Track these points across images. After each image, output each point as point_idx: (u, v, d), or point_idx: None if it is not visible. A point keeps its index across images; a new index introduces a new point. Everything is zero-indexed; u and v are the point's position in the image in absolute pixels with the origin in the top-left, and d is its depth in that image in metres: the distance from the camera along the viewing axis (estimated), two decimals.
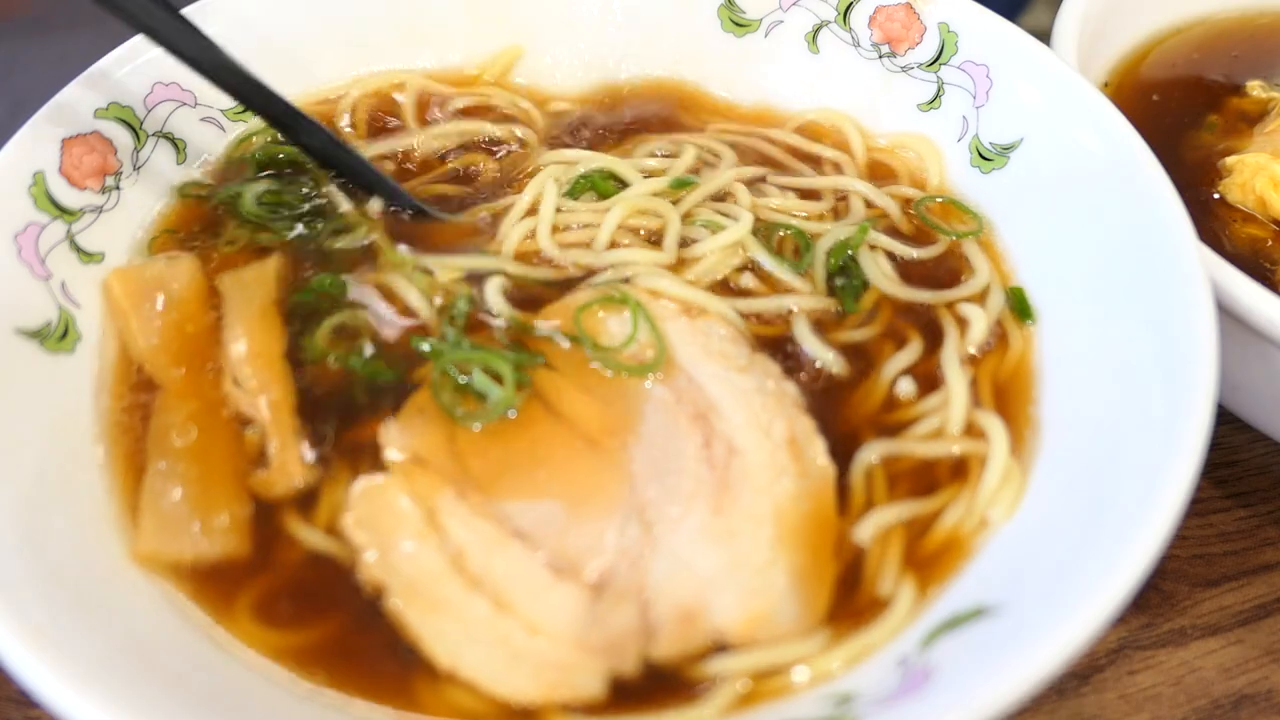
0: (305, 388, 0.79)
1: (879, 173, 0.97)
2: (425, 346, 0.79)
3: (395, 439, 0.75)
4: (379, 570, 0.70)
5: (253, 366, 0.79)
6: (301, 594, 0.71)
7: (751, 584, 0.69)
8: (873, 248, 0.88)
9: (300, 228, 0.88)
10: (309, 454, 0.75)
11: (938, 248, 0.90)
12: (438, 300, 0.83)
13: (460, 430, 0.75)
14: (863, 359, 0.83)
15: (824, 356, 0.81)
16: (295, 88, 0.99)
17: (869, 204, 0.93)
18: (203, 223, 0.90)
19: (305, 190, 0.91)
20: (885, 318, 0.85)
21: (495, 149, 0.98)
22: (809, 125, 1.01)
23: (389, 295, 0.84)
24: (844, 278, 0.87)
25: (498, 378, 0.76)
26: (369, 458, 0.75)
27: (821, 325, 0.84)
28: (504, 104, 1.01)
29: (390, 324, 0.82)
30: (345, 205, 0.90)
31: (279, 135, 0.92)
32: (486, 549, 0.70)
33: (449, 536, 0.71)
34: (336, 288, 0.84)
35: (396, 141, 0.97)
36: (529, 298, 0.84)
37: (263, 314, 0.82)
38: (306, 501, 0.74)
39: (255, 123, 0.96)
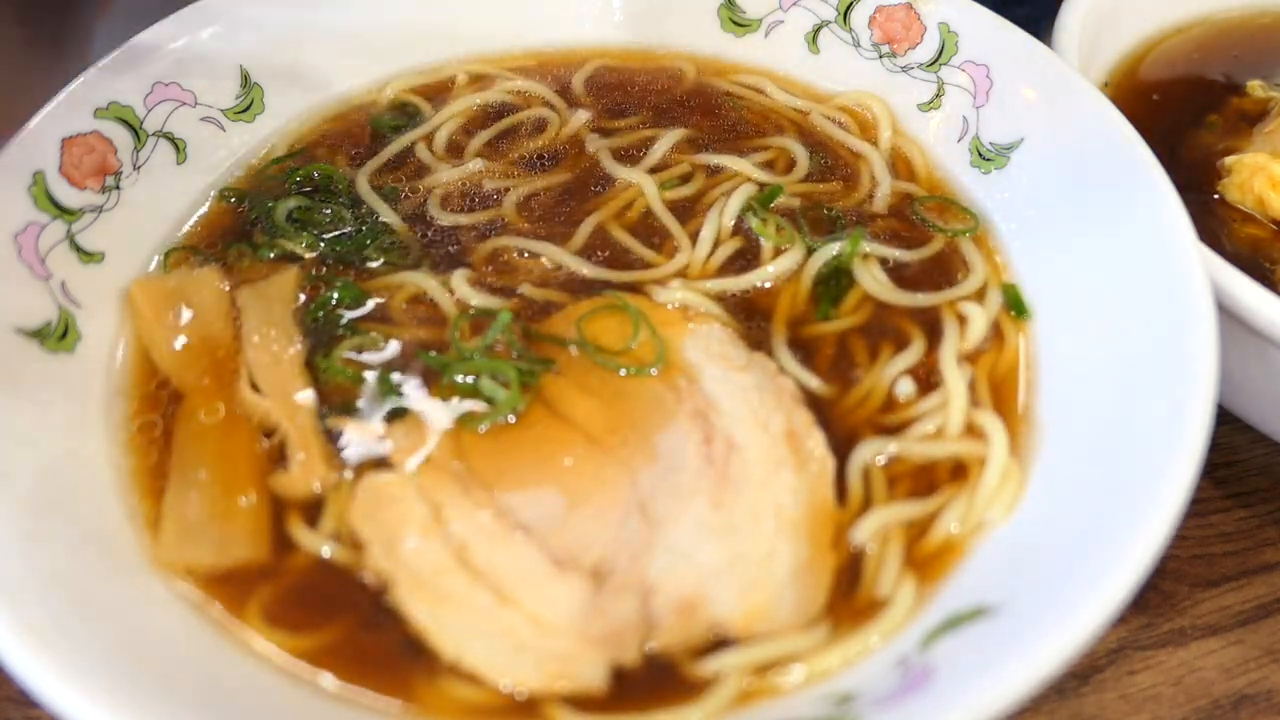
0: (320, 394, 0.79)
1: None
2: (434, 355, 0.80)
3: (402, 440, 0.76)
4: (385, 564, 0.71)
5: (274, 373, 0.80)
6: (311, 596, 0.71)
7: (751, 576, 0.70)
8: (865, 256, 0.88)
9: (325, 244, 0.89)
10: (329, 457, 0.76)
11: (930, 248, 0.90)
12: (457, 295, 0.85)
13: (466, 431, 0.76)
14: (857, 360, 0.83)
15: (806, 380, 0.81)
16: (297, 87, 0.99)
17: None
18: (227, 233, 0.90)
19: (335, 209, 0.91)
20: (876, 318, 0.85)
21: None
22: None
23: (412, 302, 0.85)
24: (827, 283, 0.87)
25: (504, 383, 0.77)
26: (378, 459, 0.76)
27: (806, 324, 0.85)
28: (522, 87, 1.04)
29: (404, 338, 0.83)
30: (370, 224, 0.91)
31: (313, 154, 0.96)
32: (490, 542, 0.71)
33: (453, 530, 0.71)
34: (355, 297, 0.85)
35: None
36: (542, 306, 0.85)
37: (282, 323, 0.83)
38: (316, 504, 0.74)
39: (281, 138, 0.98)
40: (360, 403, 0.79)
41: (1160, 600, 0.88)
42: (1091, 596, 0.60)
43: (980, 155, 0.94)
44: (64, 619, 0.63)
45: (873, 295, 0.86)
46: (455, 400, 0.78)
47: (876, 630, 0.68)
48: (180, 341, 0.82)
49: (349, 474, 0.75)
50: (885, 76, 1.01)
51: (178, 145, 0.92)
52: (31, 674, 0.59)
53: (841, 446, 0.77)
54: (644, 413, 0.77)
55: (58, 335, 0.79)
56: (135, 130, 0.89)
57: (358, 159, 0.96)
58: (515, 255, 0.89)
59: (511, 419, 0.77)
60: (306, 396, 0.79)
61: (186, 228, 0.91)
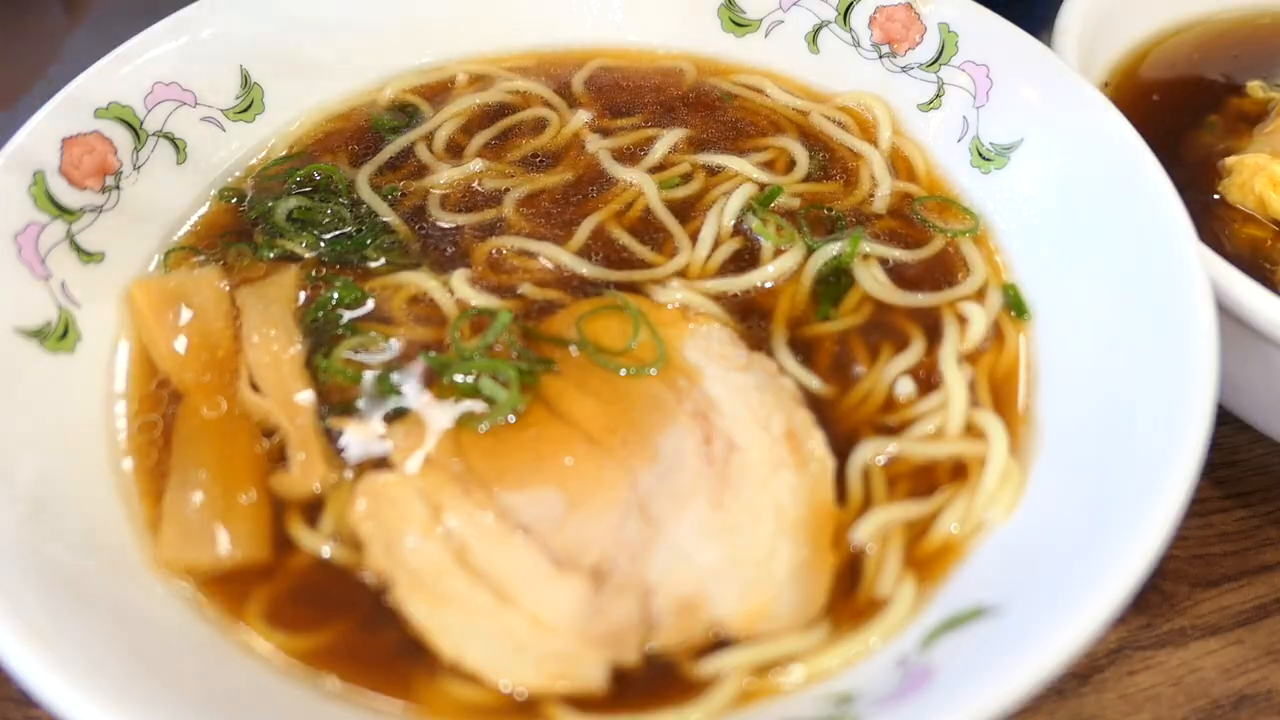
0: (320, 394, 0.79)
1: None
2: (434, 355, 0.81)
3: (402, 440, 0.76)
4: (385, 564, 0.71)
5: (274, 373, 0.80)
6: (311, 596, 0.71)
7: (751, 576, 0.70)
8: (865, 256, 0.88)
9: (325, 244, 0.89)
10: (329, 457, 0.76)
11: (930, 248, 0.90)
12: (457, 295, 0.85)
13: (466, 431, 0.76)
14: (857, 360, 0.83)
15: (806, 380, 0.81)
16: (298, 88, 0.99)
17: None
18: (227, 233, 0.90)
19: (335, 209, 0.91)
20: (876, 318, 0.85)
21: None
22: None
23: (412, 302, 0.85)
24: (827, 283, 0.87)
25: (504, 382, 0.77)
26: (378, 459, 0.76)
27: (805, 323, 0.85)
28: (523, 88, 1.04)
29: (404, 338, 0.83)
30: (370, 224, 0.91)
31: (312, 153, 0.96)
32: (490, 543, 0.71)
33: (453, 531, 0.71)
34: (355, 298, 0.85)
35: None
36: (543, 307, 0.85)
37: (282, 323, 0.83)
38: (316, 504, 0.74)
39: (281, 138, 0.98)
40: (360, 403, 0.79)
41: (1160, 600, 0.88)
42: (1091, 596, 0.60)
43: (980, 155, 0.94)
44: (64, 619, 0.63)
45: (873, 295, 0.86)
46: (455, 400, 0.78)
47: (876, 630, 0.68)
48: (180, 341, 0.82)
49: (349, 474, 0.75)
50: (885, 76, 1.01)
51: (178, 145, 0.93)
52: (31, 674, 0.58)
53: (841, 446, 0.77)
54: (644, 413, 0.77)
55: (58, 335, 0.79)
56: (135, 130, 0.89)
57: (358, 159, 0.96)
58: (515, 255, 0.89)
59: (511, 419, 0.77)
60: (306, 396, 0.79)
61: (186, 228, 0.91)
